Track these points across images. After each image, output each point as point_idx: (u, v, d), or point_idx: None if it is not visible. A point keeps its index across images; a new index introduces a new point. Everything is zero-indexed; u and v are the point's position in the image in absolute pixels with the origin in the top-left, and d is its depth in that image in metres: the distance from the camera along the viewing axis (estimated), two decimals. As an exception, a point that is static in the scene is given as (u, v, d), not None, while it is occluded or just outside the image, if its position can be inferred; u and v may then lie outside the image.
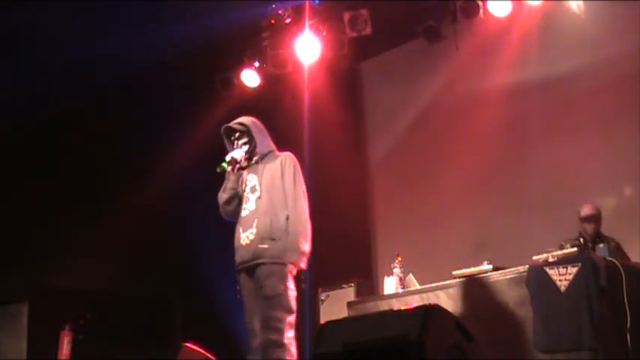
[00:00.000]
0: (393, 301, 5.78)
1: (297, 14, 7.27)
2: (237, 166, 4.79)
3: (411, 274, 6.01)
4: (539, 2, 6.59)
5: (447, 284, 5.58)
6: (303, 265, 4.64)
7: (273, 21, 7.40)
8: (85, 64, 6.30)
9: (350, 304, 6.21)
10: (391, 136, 7.77)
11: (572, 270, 4.71)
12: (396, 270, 6.01)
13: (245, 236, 4.65)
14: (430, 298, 5.53)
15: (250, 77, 7.73)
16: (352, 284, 6.79)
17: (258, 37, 7.66)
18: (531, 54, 6.82)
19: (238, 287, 4.75)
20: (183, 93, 7.59)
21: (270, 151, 4.87)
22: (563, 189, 6.48)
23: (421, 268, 6.21)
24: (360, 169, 8.00)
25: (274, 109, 7.69)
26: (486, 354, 4.08)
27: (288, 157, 4.80)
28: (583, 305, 4.60)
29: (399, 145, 7.68)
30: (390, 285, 6.03)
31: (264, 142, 4.86)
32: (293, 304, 4.54)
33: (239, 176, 4.82)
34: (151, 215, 7.02)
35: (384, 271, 6.54)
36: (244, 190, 4.80)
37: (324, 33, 7.29)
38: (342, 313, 6.21)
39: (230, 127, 4.89)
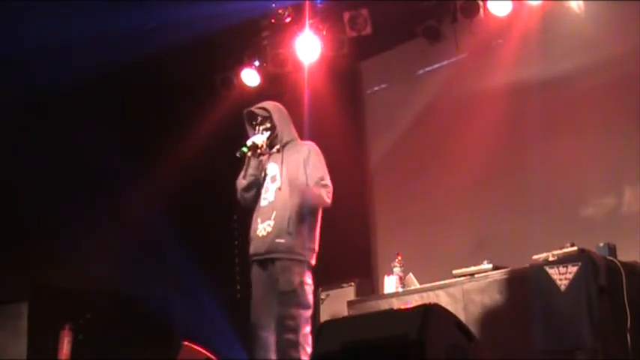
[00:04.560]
0: (393, 300, 5.79)
1: (297, 13, 7.27)
2: (258, 151, 4.66)
3: (411, 274, 6.01)
4: (540, 2, 6.58)
5: (447, 283, 5.59)
6: (312, 261, 4.60)
7: (273, 20, 7.40)
8: (85, 62, 6.30)
9: (350, 304, 6.22)
10: (391, 136, 7.76)
11: (572, 269, 4.71)
12: (396, 269, 6.02)
13: (262, 228, 4.58)
14: (430, 298, 5.54)
15: (250, 76, 7.73)
16: (352, 283, 6.78)
17: (258, 37, 7.66)
18: (531, 54, 6.81)
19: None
20: (183, 92, 7.59)
21: (292, 140, 4.77)
22: (564, 188, 6.48)
23: (421, 268, 6.21)
24: (360, 169, 8.00)
25: (274, 108, 7.68)
26: (486, 353, 4.07)
27: (311, 148, 4.71)
28: (583, 304, 4.60)
29: (399, 145, 7.67)
30: (390, 284, 6.03)
31: (286, 129, 4.76)
32: (309, 298, 4.50)
33: (259, 162, 4.70)
34: (150, 215, 7.02)
35: (384, 270, 6.54)
36: (264, 179, 4.70)
37: (324, 32, 7.29)
38: (342, 312, 6.21)
39: (252, 111, 4.79)
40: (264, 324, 4.54)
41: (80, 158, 6.75)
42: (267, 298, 4.57)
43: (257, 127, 4.77)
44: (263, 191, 4.69)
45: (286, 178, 4.60)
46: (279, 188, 4.60)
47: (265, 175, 4.71)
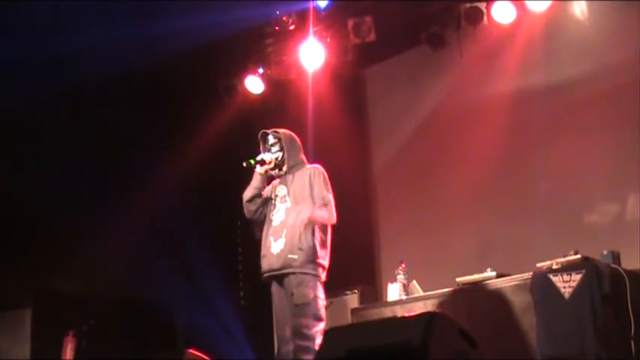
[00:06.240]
0: (397, 307, 5.79)
1: (301, 21, 7.27)
2: (265, 167, 5.04)
3: (414, 281, 6.00)
4: (544, 8, 6.58)
5: (450, 291, 5.58)
6: (323, 277, 4.88)
7: (277, 27, 7.40)
8: (91, 68, 6.31)
9: (353, 311, 6.21)
10: (395, 143, 7.76)
11: (576, 277, 4.70)
12: (400, 277, 6.01)
13: (276, 245, 4.87)
14: (434, 305, 5.53)
15: (254, 83, 7.74)
16: (356, 291, 6.79)
17: (262, 44, 7.67)
18: (535, 60, 6.81)
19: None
20: (187, 99, 7.60)
21: (299, 163, 5.11)
22: (567, 195, 6.47)
23: (425, 275, 6.20)
24: (363, 176, 8.00)
25: (278, 115, 7.68)
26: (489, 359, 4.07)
27: (316, 169, 5.05)
28: (587, 312, 4.59)
29: (403, 152, 7.67)
30: (393, 292, 6.02)
31: (294, 154, 5.11)
32: (322, 312, 4.76)
33: (265, 177, 5.09)
34: (153, 220, 7.02)
35: (387, 277, 6.53)
36: (275, 200, 5.04)
37: (328, 39, 7.29)
38: (346, 319, 6.20)
39: (266, 132, 5.16)
40: (287, 337, 4.78)
41: (83, 164, 6.76)
42: (287, 313, 4.82)
43: (269, 148, 5.15)
44: (275, 211, 5.02)
45: (294, 198, 4.94)
46: (289, 208, 4.93)
47: (276, 196, 5.06)
